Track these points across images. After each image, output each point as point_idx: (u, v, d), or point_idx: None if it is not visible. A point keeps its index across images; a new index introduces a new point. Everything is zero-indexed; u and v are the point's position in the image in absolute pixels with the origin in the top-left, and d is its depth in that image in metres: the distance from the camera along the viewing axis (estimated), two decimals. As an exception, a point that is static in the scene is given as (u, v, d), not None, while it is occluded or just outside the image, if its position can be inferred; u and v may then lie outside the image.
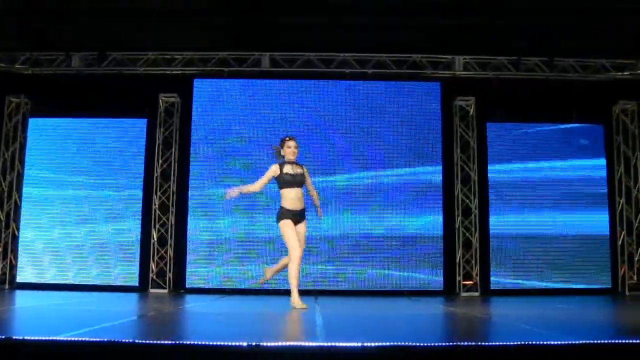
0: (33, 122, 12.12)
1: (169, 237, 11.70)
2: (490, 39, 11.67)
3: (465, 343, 3.90)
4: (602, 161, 12.03)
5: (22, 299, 8.88)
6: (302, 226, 7.36)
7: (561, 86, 11.93)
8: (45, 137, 12.06)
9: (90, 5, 10.73)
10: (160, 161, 11.86)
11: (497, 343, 3.89)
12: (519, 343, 3.78)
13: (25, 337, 3.80)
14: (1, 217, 11.80)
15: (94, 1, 10.67)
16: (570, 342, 3.83)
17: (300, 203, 7.36)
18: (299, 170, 7.44)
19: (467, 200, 11.79)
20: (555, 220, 11.79)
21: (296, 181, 7.37)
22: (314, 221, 11.12)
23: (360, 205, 11.62)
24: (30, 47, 11.78)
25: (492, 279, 11.63)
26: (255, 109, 11.90)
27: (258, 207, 11.53)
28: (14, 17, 11.05)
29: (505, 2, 10.55)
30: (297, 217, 7.34)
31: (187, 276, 11.53)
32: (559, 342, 3.82)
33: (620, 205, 11.97)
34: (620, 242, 11.88)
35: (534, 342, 3.79)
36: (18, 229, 11.79)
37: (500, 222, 11.76)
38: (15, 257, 11.70)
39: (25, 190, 11.90)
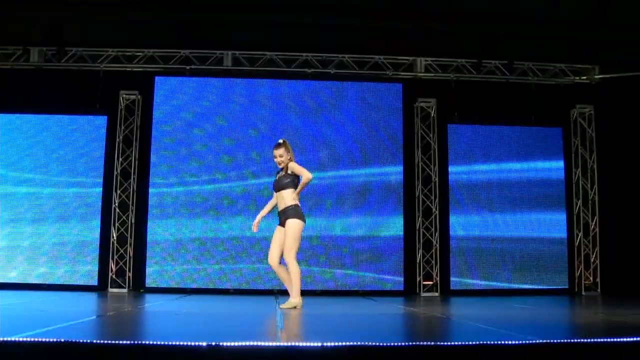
0: (-10, 118, 11.89)
1: (129, 236, 11.58)
2: (451, 42, 11.85)
3: (425, 343, 3.93)
4: (560, 163, 12.23)
5: (-23, 298, 8.72)
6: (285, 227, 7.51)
7: (520, 89, 12.12)
8: (2, 133, 11.82)
9: None
10: (120, 159, 11.73)
11: (457, 343, 3.93)
12: (477, 342, 3.83)
13: (-18, 338, 3.73)
14: (-44, 214, 11.56)
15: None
16: (527, 342, 3.89)
17: (279, 204, 7.65)
18: (282, 174, 7.66)
19: (428, 201, 11.88)
20: (514, 221, 11.95)
21: (275, 187, 7.72)
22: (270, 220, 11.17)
23: (320, 206, 11.63)
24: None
25: (451, 279, 11.73)
26: (217, 108, 11.83)
27: (219, 208, 11.49)
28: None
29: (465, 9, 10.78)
30: (281, 218, 7.61)
31: (146, 276, 11.42)
32: (517, 342, 3.87)
33: (578, 207, 12.17)
34: (577, 243, 12.08)
35: (492, 342, 3.84)
36: (-26, 227, 11.56)
37: (460, 222, 11.88)
38: (-29, 256, 11.47)
39: (-18, 187, 11.68)
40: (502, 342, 3.82)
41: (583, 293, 11.82)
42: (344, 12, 11.07)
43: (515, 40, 12.02)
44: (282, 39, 11.87)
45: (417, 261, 11.71)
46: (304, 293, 11.07)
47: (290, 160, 7.59)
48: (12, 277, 11.34)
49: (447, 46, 12.09)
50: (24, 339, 3.69)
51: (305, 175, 7.45)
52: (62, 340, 3.70)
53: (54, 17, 11.36)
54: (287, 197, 7.50)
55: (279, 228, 7.57)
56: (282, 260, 7.58)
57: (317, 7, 11.11)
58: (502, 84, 12.15)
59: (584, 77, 12.16)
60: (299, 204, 7.52)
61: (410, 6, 11.26)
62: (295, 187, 7.50)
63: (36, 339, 3.69)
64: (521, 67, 12.09)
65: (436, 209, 11.84)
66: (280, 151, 7.57)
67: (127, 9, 10.98)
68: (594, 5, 11.36)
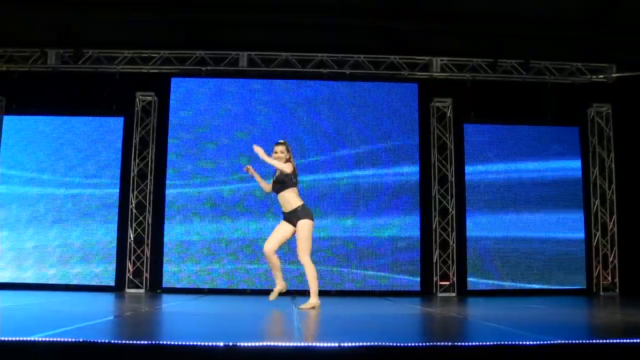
0: (8, 120, 11.98)
1: (146, 236, 11.63)
2: (467, 41, 11.82)
3: (442, 343, 3.92)
4: (578, 163, 12.15)
5: (-4, 298, 8.79)
6: (294, 227, 7.55)
7: (537, 88, 12.06)
8: (21, 135, 11.93)
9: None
10: (137, 160, 11.79)
11: (474, 343, 3.92)
12: (495, 343, 3.81)
13: (0, 338, 3.76)
14: (-25, 215, 11.67)
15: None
16: (544, 342, 3.87)
17: (284, 206, 7.61)
18: (278, 173, 7.64)
19: (444, 201, 11.84)
20: (530, 221, 11.88)
21: (275, 188, 7.69)
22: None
23: (337, 206, 11.63)
24: (4, 44, 11.68)
25: (468, 279, 11.69)
26: (233, 108, 11.86)
27: (236, 208, 11.52)
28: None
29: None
30: (286, 218, 7.63)
31: (163, 276, 11.47)
32: (535, 342, 3.85)
33: (595, 207, 12.09)
34: (594, 243, 12.00)
35: (509, 342, 3.82)
36: (-7, 228, 11.66)
37: (477, 223, 11.83)
38: (-10, 257, 11.57)
39: (1, 189, 11.77)
40: (520, 343, 3.81)
41: (601, 293, 11.73)
42: (354, 13, 11.08)
43: (528, 40, 11.96)
44: (296, 39, 11.88)
45: (434, 261, 11.68)
46: (320, 293, 11.14)
47: (288, 160, 7.56)
48: (30, 277, 11.43)
49: (461, 46, 12.06)
50: (43, 339, 3.71)
51: (283, 167, 7.46)
52: (81, 340, 3.72)
53: (69, 19, 11.43)
54: (292, 199, 7.52)
55: (284, 222, 7.60)
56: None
57: (329, 7, 11.10)
58: (518, 83, 12.09)
59: (601, 76, 12.07)
60: (304, 203, 7.49)
61: (423, 6, 11.24)
62: (291, 186, 7.45)
63: (54, 339, 3.71)
64: (537, 66, 12.03)
65: (452, 209, 11.80)
66: (282, 148, 7.59)
67: (142, 9, 11.02)
68: (605, 5, 11.28)
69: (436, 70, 11.92)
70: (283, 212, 7.63)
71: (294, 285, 11.37)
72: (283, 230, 7.58)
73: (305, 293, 11.16)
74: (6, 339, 3.72)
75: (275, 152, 7.65)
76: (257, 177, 7.87)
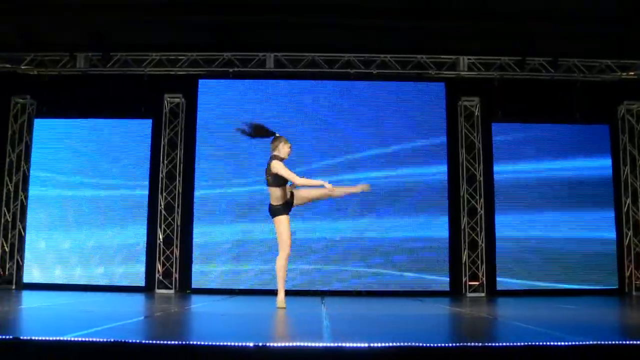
0: (38, 123, 12.14)
1: (175, 237, 11.71)
2: (494, 39, 11.73)
3: (472, 344, 3.89)
4: (608, 161, 12.01)
5: (29, 299, 8.90)
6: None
7: (566, 86, 11.94)
8: (51, 137, 12.08)
9: (94, 4, 10.81)
10: (165, 161, 11.87)
11: (504, 344, 3.89)
12: (525, 344, 3.78)
13: (32, 337, 3.81)
14: (8, 217, 11.83)
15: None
16: (576, 343, 3.83)
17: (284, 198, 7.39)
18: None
19: (473, 201, 11.78)
20: (561, 221, 11.75)
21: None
22: (316, 222, 11.21)
23: (364, 206, 11.61)
24: (35, 48, 11.84)
25: (498, 279, 11.61)
26: (260, 109, 11.89)
27: (265, 209, 11.53)
28: (16, 17, 11.12)
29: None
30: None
31: (192, 277, 11.54)
32: (565, 343, 3.81)
33: (627, 206, 11.94)
34: (626, 242, 11.85)
35: (540, 343, 3.79)
36: (25, 229, 11.82)
37: (506, 222, 11.74)
38: (22, 258, 11.73)
39: (31, 191, 11.93)
40: (551, 344, 3.77)
41: (634, 293, 11.58)
42: (380, 13, 11.06)
43: (557, 37, 11.83)
44: (323, 40, 11.88)
45: (463, 261, 11.61)
46: (351, 294, 11.17)
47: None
48: (61, 277, 11.58)
49: (489, 44, 11.96)
50: (75, 339, 3.75)
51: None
52: (112, 340, 3.75)
53: (98, 23, 11.54)
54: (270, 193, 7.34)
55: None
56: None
57: (356, 8, 11.09)
58: (546, 81, 11.98)
59: (631, 73, 11.92)
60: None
61: (450, 5, 11.17)
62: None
63: (86, 339, 3.75)
64: (566, 63, 11.91)
65: (481, 209, 11.73)
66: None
67: (169, 12, 11.08)
68: (635, 1, 11.11)
69: (463, 69, 11.86)
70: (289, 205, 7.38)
71: (321, 286, 11.42)
72: None
73: (332, 294, 11.22)
74: (39, 338, 3.77)
75: (290, 149, 7.55)
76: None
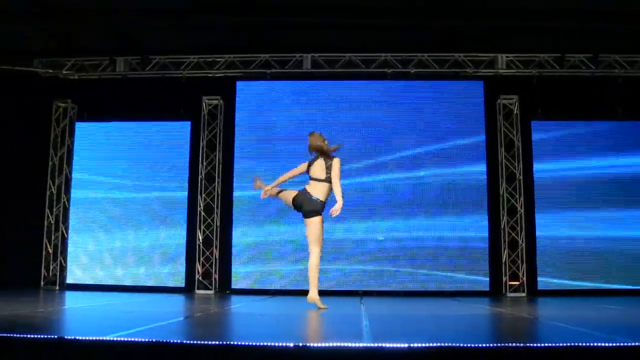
0: (80, 126, 12.33)
1: (214, 238, 11.79)
2: (533, 37, 11.62)
3: (513, 344, 3.86)
4: (651, 158, 11.80)
5: (72, 299, 9.04)
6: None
7: (607, 82, 11.74)
8: (92, 141, 12.27)
9: (133, 8, 10.96)
10: (204, 163, 11.96)
11: (547, 344, 3.85)
12: (568, 345, 3.73)
13: (77, 337, 3.87)
14: (51, 220, 12.04)
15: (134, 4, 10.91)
16: (620, 344, 3.77)
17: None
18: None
19: (513, 200, 11.66)
20: (603, 219, 11.56)
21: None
22: (355, 222, 11.21)
23: (403, 206, 11.58)
24: (75, 53, 12.04)
25: (538, 279, 11.46)
26: (298, 110, 11.93)
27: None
28: (57, 24, 11.33)
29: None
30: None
31: (232, 277, 11.61)
32: (609, 344, 3.75)
33: (674, 203, 11.71)
34: (671, 241, 11.62)
35: (583, 344, 3.74)
36: (67, 231, 12.02)
37: (546, 221, 11.59)
38: (65, 259, 11.93)
39: (74, 193, 12.13)
40: (594, 345, 3.72)
41: (679, 293, 11.36)
42: (418, 13, 11.03)
43: (596, 33, 11.65)
44: (360, 40, 11.89)
45: (503, 261, 11.50)
46: (392, 294, 11.14)
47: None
48: (103, 278, 11.75)
49: (527, 42, 11.86)
50: (117, 339, 3.80)
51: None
52: (153, 340, 3.80)
53: (136, 27, 11.70)
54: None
55: None
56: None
57: (393, 8, 11.07)
58: (586, 77, 11.79)
59: (675, 68, 11.70)
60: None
61: (488, 3, 11.08)
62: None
63: (128, 339, 3.80)
64: (607, 59, 11.72)
65: (521, 208, 11.61)
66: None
67: (207, 14, 11.17)
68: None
69: (502, 67, 11.74)
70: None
71: (360, 286, 11.42)
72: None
73: (371, 294, 11.21)
74: (83, 338, 3.83)
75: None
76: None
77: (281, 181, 7.61)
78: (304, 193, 7.31)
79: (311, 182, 7.34)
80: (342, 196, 7.17)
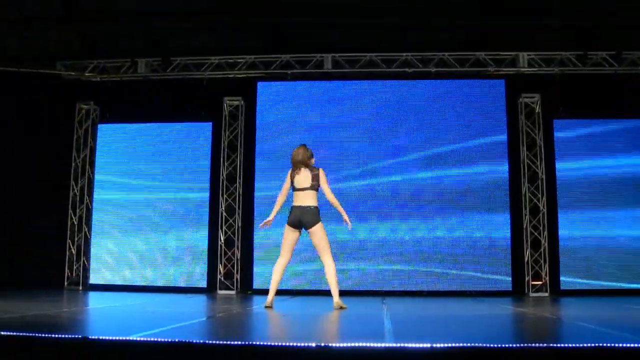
0: (102, 128, 12.43)
1: (236, 238, 11.83)
2: (555, 34, 11.53)
3: (537, 344, 3.84)
4: (676, 157, 11.66)
5: (95, 300, 9.12)
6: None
7: (630, 80, 11.61)
8: (114, 142, 12.36)
9: (154, 10, 11.02)
10: (226, 164, 12.00)
11: (570, 345, 3.82)
12: (592, 345, 3.70)
13: (100, 337, 3.90)
14: (74, 221, 12.14)
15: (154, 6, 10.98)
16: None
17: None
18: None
19: (535, 199, 11.58)
20: (626, 218, 11.45)
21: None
22: (375, 222, 11.19)
23: (426, 205, 11.55)
24: (97, 55, 12.14)
25: (561, 278, 11.38)
26: (319, 110, 11.94)
27: (324, 210, 11.55)
28: (79, 26, 11.43)
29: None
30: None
31: (254, 277, 11.64)
32: (633, 345, 3.72)
33: (697, 202, 11.58)
34: (696, 240, 11.49)
35: (608, 344, 3.71)
36: (90, 232, 12.12)
37: (569, 220, 11.49)
38: (88, 260, 12.03)
39: (96, 194, 12.22)
40: (620, 345, 3.69)
41: None
42: (439, 12, 10.99)
43: (620, 30, 11.52)
44: (380, 39, 11.86)
45: (525, 261, 11.43)
46: (413, 294, 11.11)
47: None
48: (125, 279, 11.83)
49: (549, 39, 11.75)
50: (141, 339, 3.83)
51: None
52: (176, 340, 3.82)
53: (157, 29, 11.75)
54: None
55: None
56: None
57: (414, 7, 11.04)
58: (610, 75, 11.66)
59: (701, 64, 11.55)
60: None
61: (509, 1, 11.02)
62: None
63: (151, 339, 3.82)
64: (630, 57, 11.60)
65: (544, 207, 11.53)
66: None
67: (227, 16, 11.21)
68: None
69: (523, 65, 11.66)
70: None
71: (381, 286, 11.40)
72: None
73: (393, 294, 11.19)
74: (106, 338, 3.86)
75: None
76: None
77: (279, 206, 7.74)
78: (296, 209, 7.43)
79: (296, 193, 7.48)
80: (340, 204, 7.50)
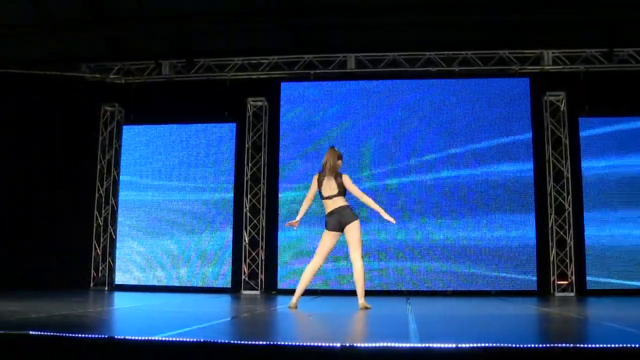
0: (127, 130, 12.52)
1: (260, 239, 11.86)
2: (579, 31, 11.41)
3: (563, 345, 3.81)
4: None
5: (120, 300, 9.18)
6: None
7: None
8: (139, 143, 12.46)
9: (178, 13, 11.09)
10: (250, 164, 12.04)
11: (597, 345, 3.78)
12: (619, 346, 3.66)
13: (126, 337, 3.93)
14: (100, 222, 12.24)
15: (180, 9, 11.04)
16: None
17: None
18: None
19: (560, 198, 11.49)
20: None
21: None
22: (401, 222, 11.16)
23: (450, 205, 11.50)
24: (122, 58, 12.24)
25: (588, 278, 11.27)
26: (342, 110, 11.94)
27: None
28: (104, 29, 11.53)
29: None
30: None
31: (278, 278, 11.66)
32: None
33: None
34: None
35: (635, 345, 3.67)
36: (115, 232, 12.22)
37: (595, 219, 11.37)
38: (114, 260, 12.13)
39: (122, 195, 12.32)
40: (647, 344, 3.64)
41: None
42: (463, 9, 10.92)
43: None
44: (403, 39, 11.82)
45: (551, 260, 11.34)
46: (438, 294, 11.08)
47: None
48: (150, 279, 11.92)
49: (574, 36, 11.64)
50: (166, 339, 3.85)
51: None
52: (202, 340, 3.83)
53: (181, 31, 11.82)
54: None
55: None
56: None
57: (436, 5, 10.99)
58: (636, 72, 11.53)
59: None
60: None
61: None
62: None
63: (177, 339, 3.84)
64: (658, 53, 11.47)
65: (569, 206, 11.43)
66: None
67: (251, 17, 11.24)
68: None
69: (548, 63, 11.57)
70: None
71: (406, 286, 11.38)
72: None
73: (418, 294, 11.16)
74: (132, 338, 3.89)
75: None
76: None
77: (306, 209, 7.62)
78: (331, 215, 7.34)
79: (325, 202, 7.39)
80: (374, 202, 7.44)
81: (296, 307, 7.31)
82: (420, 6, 10.96)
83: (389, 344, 3.62)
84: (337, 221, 7.28)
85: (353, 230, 7.25)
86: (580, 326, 5.58)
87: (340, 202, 7.31)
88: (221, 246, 11.90)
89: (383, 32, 11.75)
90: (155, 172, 12.27)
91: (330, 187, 7.35)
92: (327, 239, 7.37)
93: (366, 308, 7.12)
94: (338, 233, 7.33)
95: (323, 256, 7.47)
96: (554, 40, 11.66)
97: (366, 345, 3.60)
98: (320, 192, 7.41)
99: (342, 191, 7.34)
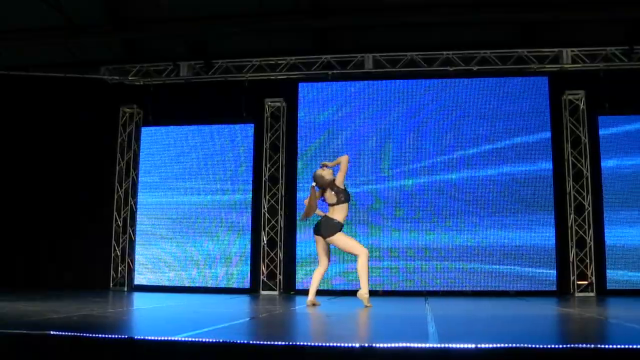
0: (145, 131, 12.59)
1: (279, 239, 11.87)
2: (599, 29, 11.33)
3: (583, 345, 3.78)
4: None
5: (140, 300, 9.22)
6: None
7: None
8: (157, 145, 12.51)
9: (195, 14, 11.14)
10: (268, 165, 12.06)
11: (618, 346, 3.75)
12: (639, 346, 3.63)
13: (146, 337, 3.95)
14: (119, 223, 12.31)
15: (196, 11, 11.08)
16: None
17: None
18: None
19: (580, 197, 11.41)
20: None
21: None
22: (418, 223, 11.14)
23: (469, 204, 11.45)
24: (140, 59, 12.31)
25: (608, 278, 11.17)
26: (360, 110, 11.93)
27: (370, 211, 11.55)
28: (122, 32, 11.61)
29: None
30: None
31: (296, 278, 11.67)
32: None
33: None
34: None
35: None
36: (135, 233, 12.28)
37: (616, 219, 11.28)
38: (133, 261, 12.19)
39: (140, 196, 12.38)
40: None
41: None
42: (481, 8, 10.88)
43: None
44: (421, 38, 11.81)
45: (571, 260, 11.26)
46: (457, 294, 11.04)
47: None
48: (169, 280, 11.96)
49: (594, 34, 11.56)
50: (186, 339, 3.86)
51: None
52: (221, 340, 3.85)
53: (199, 33, 11.88)
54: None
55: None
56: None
57: (454, 4, 10.95)
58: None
59: None
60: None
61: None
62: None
63: (196, 339, 3.86)
64: (678, 51, 11.36)
65: (589, 206, 11.34)
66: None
67: (266, 18, 11.26)
68: None
69: (567, 61, 11.49)
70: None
71: (424, 286, 11.34)
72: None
73: (436, 294, 11.13)
74: (152, 338, 3.90)
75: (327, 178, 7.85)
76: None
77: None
78: (326, 218, 7.84)
79: (330, 207, 7.88)
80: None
81: (313, 304, 7.56)
82: (438, 6, 10.93)
83: (409, 345, 3.61)
84: (317, 227, 7.83)
85: (335, 242, 7.82)
86: (602, 327, 5.53)
87: (337, 213, 7.79)
88: (240, 247, 11.92)
89: (400, 32, 11.74)
90: (173, 173, 12.32)
91: (330, 195, 7.84)
92: (317, 242, 7.93)
93: (366, 306, 7.39)
94: (319, 237, 7.83)
95: (323, 258, 7.98)
96: (573, 38, 11.58)
97: (386, 345, 3.59)
98: (324, 198, 7.95)
99: (342, 199, 7.77)
